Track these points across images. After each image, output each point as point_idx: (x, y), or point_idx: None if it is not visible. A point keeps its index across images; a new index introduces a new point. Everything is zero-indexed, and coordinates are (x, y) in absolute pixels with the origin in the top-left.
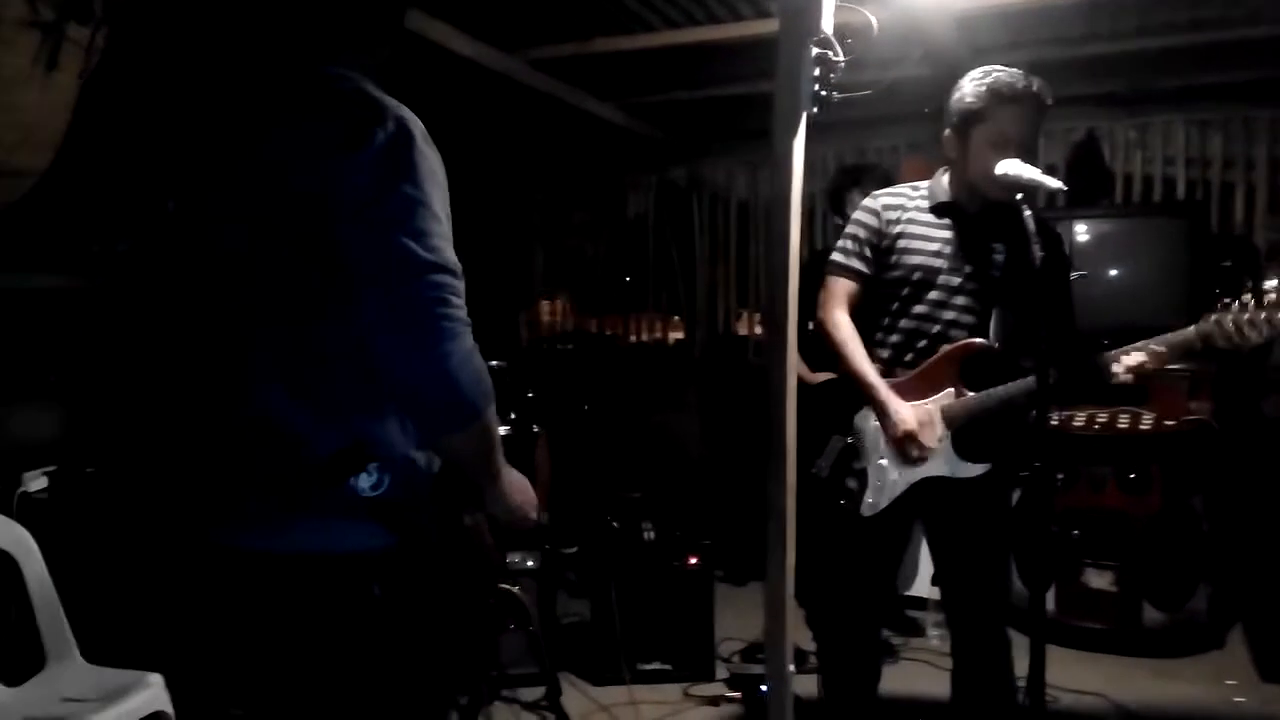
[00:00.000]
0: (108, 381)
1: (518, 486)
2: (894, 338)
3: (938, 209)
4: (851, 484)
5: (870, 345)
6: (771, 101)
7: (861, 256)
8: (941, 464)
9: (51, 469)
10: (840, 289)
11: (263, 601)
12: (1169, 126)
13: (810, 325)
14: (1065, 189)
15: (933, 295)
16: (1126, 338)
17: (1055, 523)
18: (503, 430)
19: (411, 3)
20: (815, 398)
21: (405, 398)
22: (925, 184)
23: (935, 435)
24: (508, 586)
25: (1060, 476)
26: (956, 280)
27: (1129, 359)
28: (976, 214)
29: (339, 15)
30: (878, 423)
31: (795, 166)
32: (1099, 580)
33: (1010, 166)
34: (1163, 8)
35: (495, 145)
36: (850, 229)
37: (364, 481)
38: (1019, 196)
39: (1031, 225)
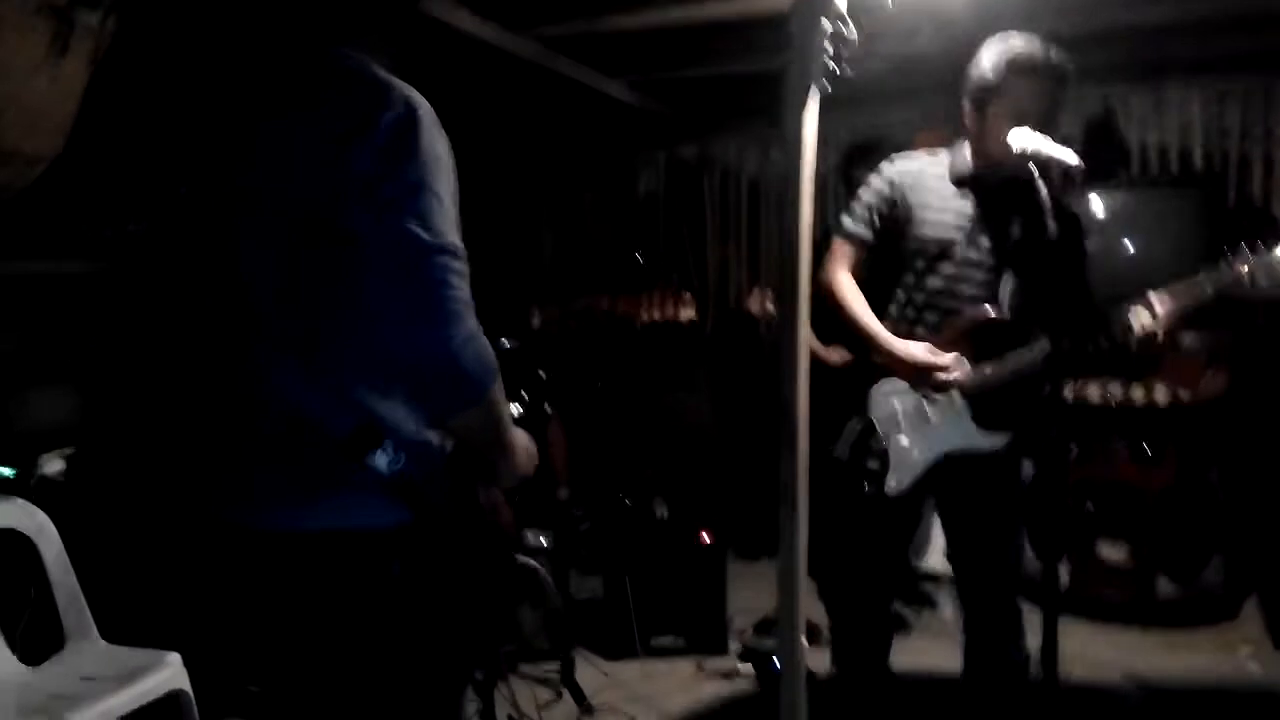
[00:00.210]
0: (123, 365)
1: (523, 447)
2: (908, 311)
3: (958, 181)
4: (873, 465)
5: (883, 318)
6: (783, 78)
7: (869, 224)
8: (962, 437)
9: (68, 451)
10: (843, 252)
11: (281, 579)
12: (1186, 97)
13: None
14: (1081, 163)
15: (948, 268)
16: None
17: (1069, 495)
18: (515, 410)
19: None
20: (831, 381)
21: (412, 378)
22: (945, 152)
23: (956, 363)
24: (528, 560)
25: (1075, 449)
26: (974, 254)
27: (1144, 319)
28: (997, 187)
29: None
30: (895, 402)
31: (807, 143)
32: (1113, 553)
33: (1027, 140)
34: None
35: (503, 125)
36: (863, 194)
37: (381, 459)
38: (1034, 170)
39: (1046, 199)
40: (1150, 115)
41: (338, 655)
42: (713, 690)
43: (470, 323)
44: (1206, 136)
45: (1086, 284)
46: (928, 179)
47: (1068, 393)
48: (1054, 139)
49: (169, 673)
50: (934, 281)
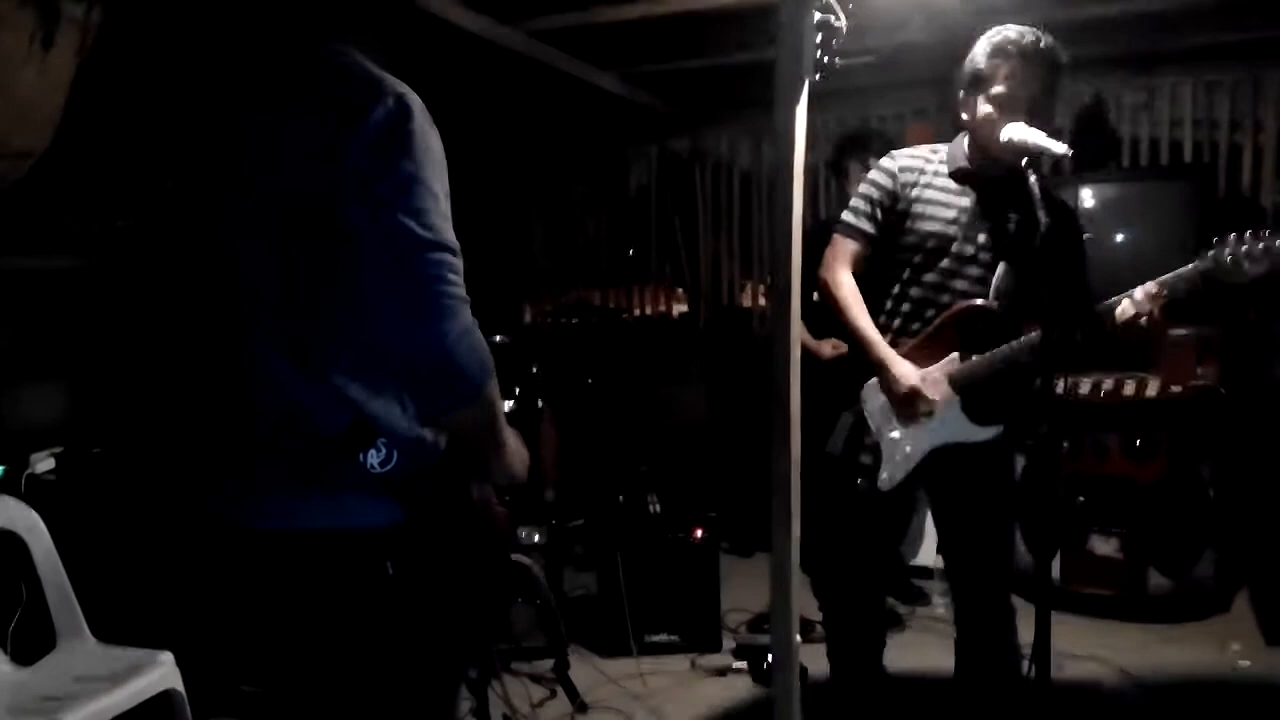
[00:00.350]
0: (113, 361)
1: (516, 448)
2: (904, 306)
3: (956, 175)
4: (866, 460)
5: (879, 314)
6: (773, 70)
7: (871, 218)
8: (954, 430)
9: (59, 450)
10: (845, 249)
11: (273, 579)
12: (1177, 88)
13: (815, 295)
14: (1071, 153)
15: (945, 264)
16: None
17: (1061, 489)
18: (507, 406)
19: None
20: (823, 375)
21: (406, 375)
22: (944, 148)
23: (940, 393)
24: (521, 558)
25: (1066, 443)
26: (970, 250)
27: (1128, 305)
28: (996, 180)
29: None
30: (885, 395)
31: (798, 135)
32: (1105, 547)
33: (1015, 131)
34: None
35: (494, 118)
36: (864, 188)
37: (373, 458)
38: (1024, 162)
39: (1037, 191)
40: (1141, 107)
41: (331, 655)
42: (707, 687)
43: (466, 318)
44: (1196, 128)
45: (1084, 278)
46: (928, 174)
47: (1059, 386)
48: (1051, 129)
49: (161, 672)
50: (931, 277)
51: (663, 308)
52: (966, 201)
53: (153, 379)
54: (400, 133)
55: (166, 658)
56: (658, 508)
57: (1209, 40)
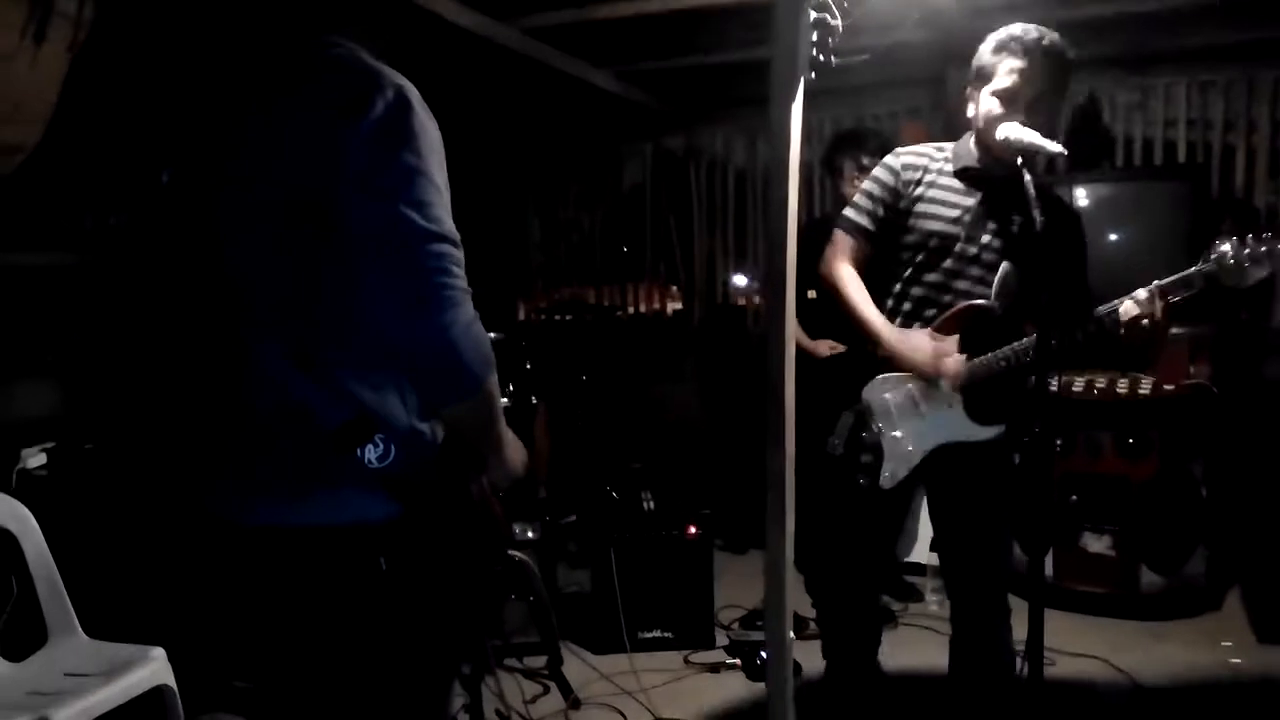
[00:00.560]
0: (106, 357)
1: (513, 446)
2: (905, 305)
3: (962, 174)
4: (867, 458)
5: (879, 311)
6: (768, 68)
7: (873, 215)
8: (955, 429)
9: (50, 445)
10: (846, 245)
11: (267, 575)
12: (1171, 89)
13: (810, 293)
14: (1065, 153)
15: (948, 263)
16: None
17: (1054, 487)
18: (502, 402)
19: None
20: (819, 374)
21: (408, 368)
22: (950, 146)
23: (956, 365)
24: (517, 554)
25: (1059, 441)
26: (973, 249)
27: (1130, 305)
28: (1001, 180)
29: None
30: (888, 395)
31: (793, 133)
32: (1097, 544)
33: (1010, 130)
34: None
35: (488, 115)
36: (866, 185)
37: (371, 453)
38: (1020, 161)
39: (1032, 191)
40: (1135, 107)
41: (324, 651)
42: (700, 684)
43: (469, 311)
44: (1190, 128)
45: (1084, 278)
46: (932, 172)
47: (1053, 385)
48: (1057, 127)
49: (153, 668)
50: (933, 276)
51: (657, 305)
52: (971, 201)
53: (147, 375)
54: (401, 125)
55: (158, 653)
56: (651, 505)
57: (1203, 40)
